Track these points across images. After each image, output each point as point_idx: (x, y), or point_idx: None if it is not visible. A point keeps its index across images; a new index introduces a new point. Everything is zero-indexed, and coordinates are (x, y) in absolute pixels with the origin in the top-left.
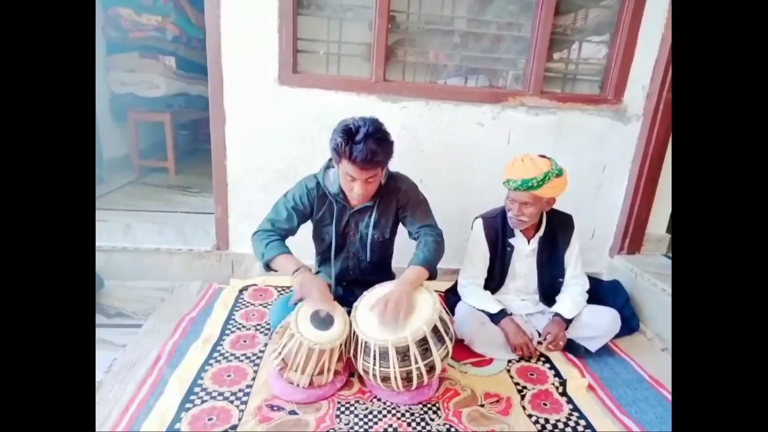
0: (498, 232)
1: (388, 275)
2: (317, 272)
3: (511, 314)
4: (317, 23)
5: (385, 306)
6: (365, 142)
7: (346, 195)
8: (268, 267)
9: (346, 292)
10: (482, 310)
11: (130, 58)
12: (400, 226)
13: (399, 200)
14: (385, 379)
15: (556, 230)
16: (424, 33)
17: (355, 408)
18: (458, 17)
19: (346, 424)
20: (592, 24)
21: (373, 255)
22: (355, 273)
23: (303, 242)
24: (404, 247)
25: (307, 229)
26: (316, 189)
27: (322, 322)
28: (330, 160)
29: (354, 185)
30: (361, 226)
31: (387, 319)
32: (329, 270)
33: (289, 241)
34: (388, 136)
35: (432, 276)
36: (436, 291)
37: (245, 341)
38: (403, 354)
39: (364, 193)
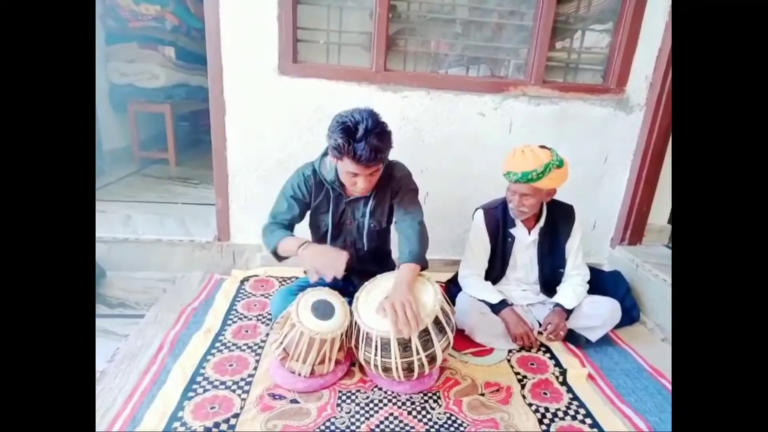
0: (499, 222)
1: (387, 264)
2: None
3: (511, 304)
4: (317, 12)
5: (394, 310)
6: (367, 140)
7: (342, 183)
8: (277, 256)
9: (346, 283)
10: (483, 301)
11: (129, 48)
12: None
13: (393, 188)
14: (387, 369)
15: (558, 221)
16: (425, 22)
17: (356, 397)
18: (460, 5)
19: (347, 413)
20: (595, 12)
21: (370, 244)
22: (353, 261)
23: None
24: None
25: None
26: (312, 176)
27: (323, 311)
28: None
29: (357, 180)
30: (357, 214)
31: (402, 326)
32: None
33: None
34: (387, 128)
35: (423, 267)
36: (437, 282)
37: (247, 331)
38: (405, 345)
39: (368, 187)
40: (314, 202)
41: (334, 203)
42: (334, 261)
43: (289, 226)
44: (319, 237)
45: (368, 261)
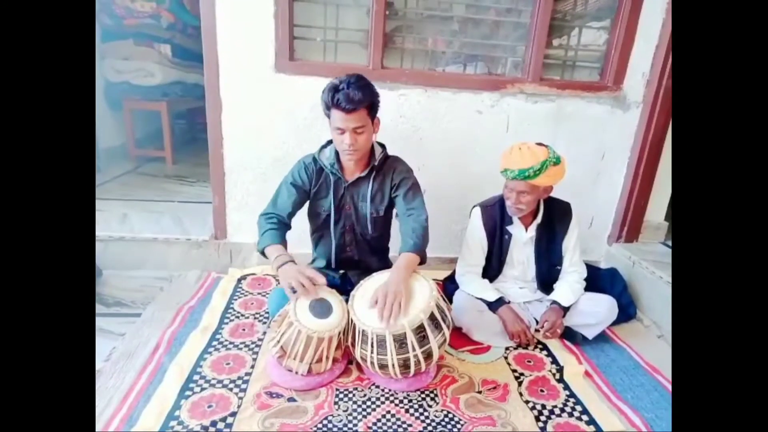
0: (496, 220)
1: (384, 259)
2: (312, 260)
3: (509, 302)
4: (314, 9)
5: (384, 300)
6: (348, 89)
7: (341, 167)
8: (264, 254)
9: (344, 281)
10: (480, 298)
11: (125, 45)
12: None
13: (393, 178)
14: (383, 366)
15: (555, 218)
16: (423, 19)
17: (354, 395)
18: (457, 3)
19: (344, 411)
20: (592, 9)
21: (369, 230)
22: (352, 250)
23: (300, 231)
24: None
25: (303, 216)
26: (313, 163)
27: (321, 310)
28: (327, 141)
29: (344, 137)
30: (356, 199)
31: (386, 316)
32: (325, 248)
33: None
34: (372, 86)
35: (422, 261)
36: (434, 279)
37: (244, 329)
38: (401, 341)
39: (354, 143)
40: (314, 188)
41: (333, 188)
42: (305, 280)
43: (287, 219)
44: (318, 224)
45: (366, 253)
